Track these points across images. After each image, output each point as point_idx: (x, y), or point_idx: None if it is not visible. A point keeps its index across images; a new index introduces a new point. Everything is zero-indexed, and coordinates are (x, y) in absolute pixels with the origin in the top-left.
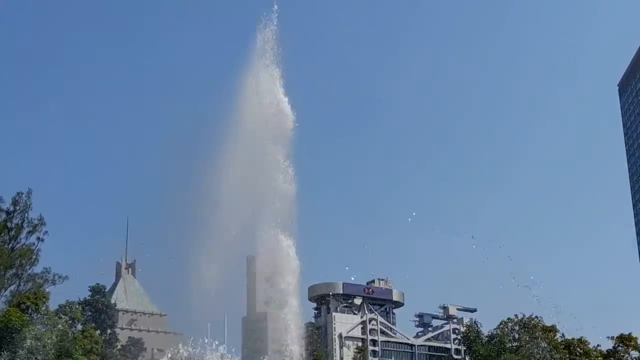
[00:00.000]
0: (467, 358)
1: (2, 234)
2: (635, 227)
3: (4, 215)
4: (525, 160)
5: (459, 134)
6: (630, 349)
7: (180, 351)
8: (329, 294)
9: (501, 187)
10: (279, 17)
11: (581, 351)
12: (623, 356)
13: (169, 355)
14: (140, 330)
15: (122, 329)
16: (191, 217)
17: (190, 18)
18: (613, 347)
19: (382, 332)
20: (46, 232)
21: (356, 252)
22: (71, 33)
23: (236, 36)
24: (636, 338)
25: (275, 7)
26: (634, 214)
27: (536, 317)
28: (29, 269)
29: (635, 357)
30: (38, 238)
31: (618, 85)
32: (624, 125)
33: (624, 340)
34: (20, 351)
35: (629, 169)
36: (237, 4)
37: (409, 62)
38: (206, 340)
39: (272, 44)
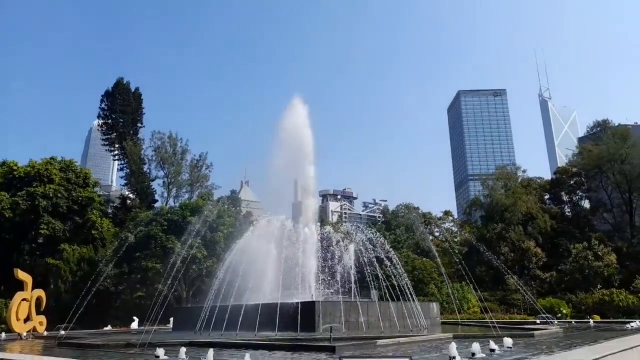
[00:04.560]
0: (383, 219)
1: (195, 169)
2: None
3: (195, 162)
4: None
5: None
6: (449, 216)
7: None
8: (327, 194)
9: None
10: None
11: (429, 217)
12: (445, 219)
13: (262, 217)
14: (251, 209)
15: (242, 208)
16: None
17: None
18: (442, 215)
19: (349, 209)
20: (212, 168)
21: (339, 174)
22: None
23: None
24: (451, 212)
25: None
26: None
27: (411, 203)
28: (206, 182)
29: (451, 220)
30: (209, 171)
31: (447, 110)
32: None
33: (447, 213)
34: (203, 215)
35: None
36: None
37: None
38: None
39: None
